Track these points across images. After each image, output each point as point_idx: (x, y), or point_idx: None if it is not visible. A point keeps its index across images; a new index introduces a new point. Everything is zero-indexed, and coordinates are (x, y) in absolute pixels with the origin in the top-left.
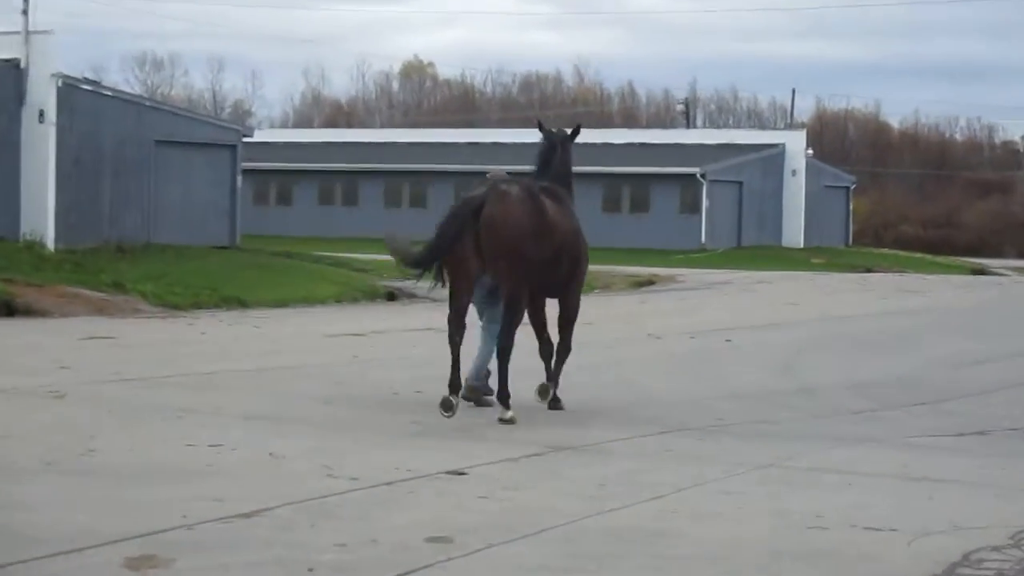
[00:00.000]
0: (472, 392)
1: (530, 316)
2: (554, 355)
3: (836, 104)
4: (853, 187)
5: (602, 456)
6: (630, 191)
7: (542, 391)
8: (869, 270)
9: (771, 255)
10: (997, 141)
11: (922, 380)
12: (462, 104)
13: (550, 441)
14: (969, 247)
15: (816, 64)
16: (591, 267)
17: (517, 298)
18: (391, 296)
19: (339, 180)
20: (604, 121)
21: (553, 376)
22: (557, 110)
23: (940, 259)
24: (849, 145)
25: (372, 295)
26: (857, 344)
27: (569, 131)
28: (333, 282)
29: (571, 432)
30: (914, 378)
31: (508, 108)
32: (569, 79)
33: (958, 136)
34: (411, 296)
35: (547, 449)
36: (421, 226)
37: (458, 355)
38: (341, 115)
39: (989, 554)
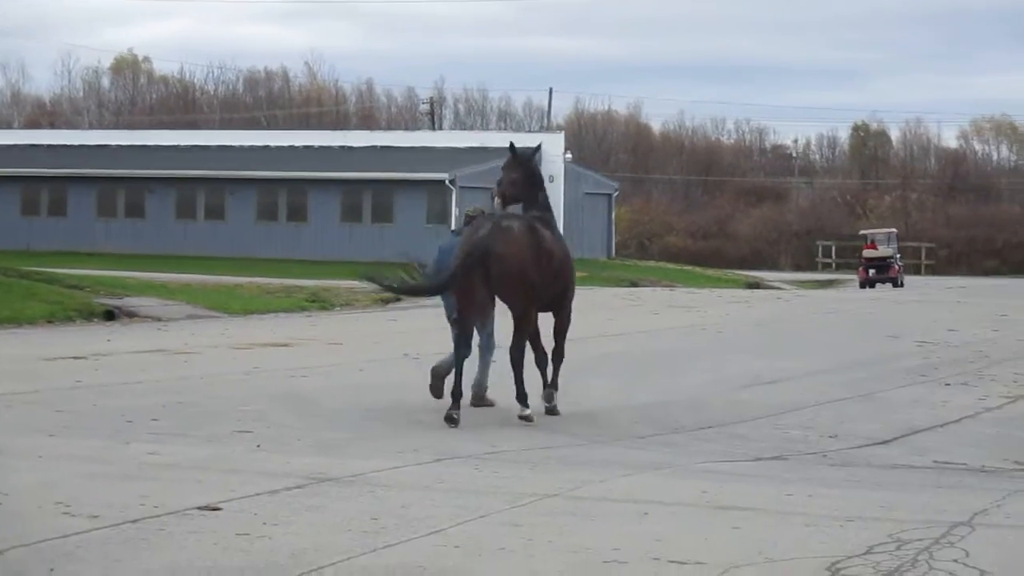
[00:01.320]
0: (478, 399)
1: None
2: (550, 363)
3: (596, 105)
4: (615, 194)
5: (370, 488)
6: (372, 199)
7: (547, 396)
8: (635, 284)
9: None
10: (768, 145)
11: (707, 402)
12: (181, 103)
13: (311, 472)
14: (742, 259)
15: (574, 62)
16: (332, 282)
17: (525, 318)
18: (109, 315)
19: (45, 187)
20: (340, 122)
21: (552, 382)
22: (286, 110)
23: (711, 272)
24: (610, 149)
25: (88, 314)
26: (633, 364)
27: (531, 150)
28: (44, 300)
29: (333, 462)
30: (699, 400)
31: (232, 108)
32: (300, 76)
33: (726, 140)
34: (131, 315)
35: (308, 481)
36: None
37: (461, 369)
38: (44, 115)
39: None
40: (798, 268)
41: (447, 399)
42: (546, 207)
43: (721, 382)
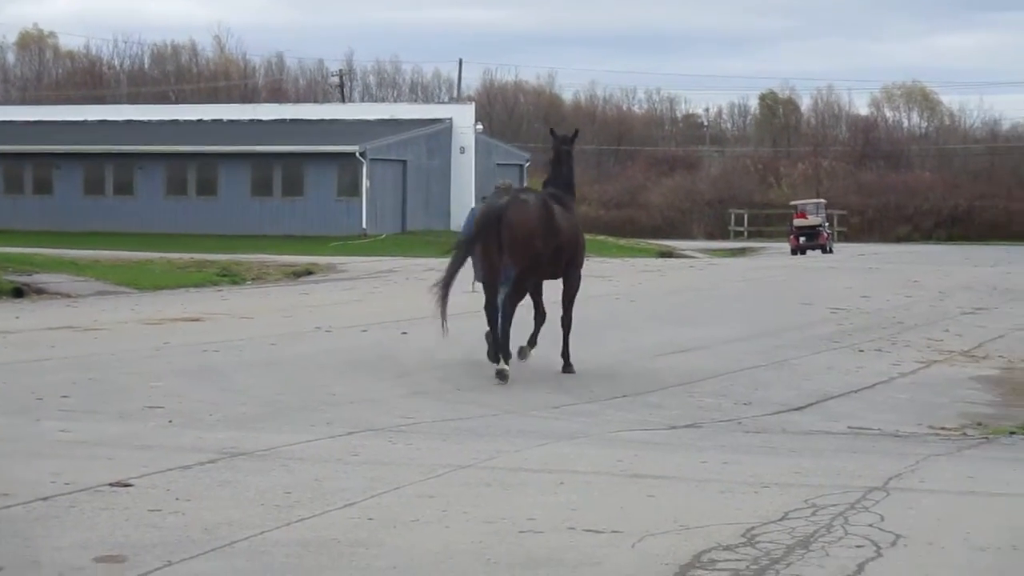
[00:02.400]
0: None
1: (531, 293)
2: (542, 325)
3: (506, 76)
4: (527, 165)
5: (283, 462)
6: (282, 172)
7: (523, 352)
8: None
9: (440, 241)
10: (679, 114)
11: (621, 371)
12: (87, 78)
13: (223, 446)
14: (655, 228)
15: (484, 33)
16: (243, 256)
17: (523, 279)
18: (18, 292)
19: None
20: (249, 96)
21: (564, 351)
22: (194, 84)
23: (624, 241)
24: (521, 120)
25: None
26: (545, 334)
27: (571, 135)
28: None
29: (246, 436)
30: (612, 369)
31: (139, 82)
32: (208, 50)
33: (637, 110)
34: (40, 292)
35: (221, 455)
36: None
37: (496, 329)
38: None
39: (721, 554)
40: (711, 236)
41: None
42: (568, 185)
43: (635, 351)
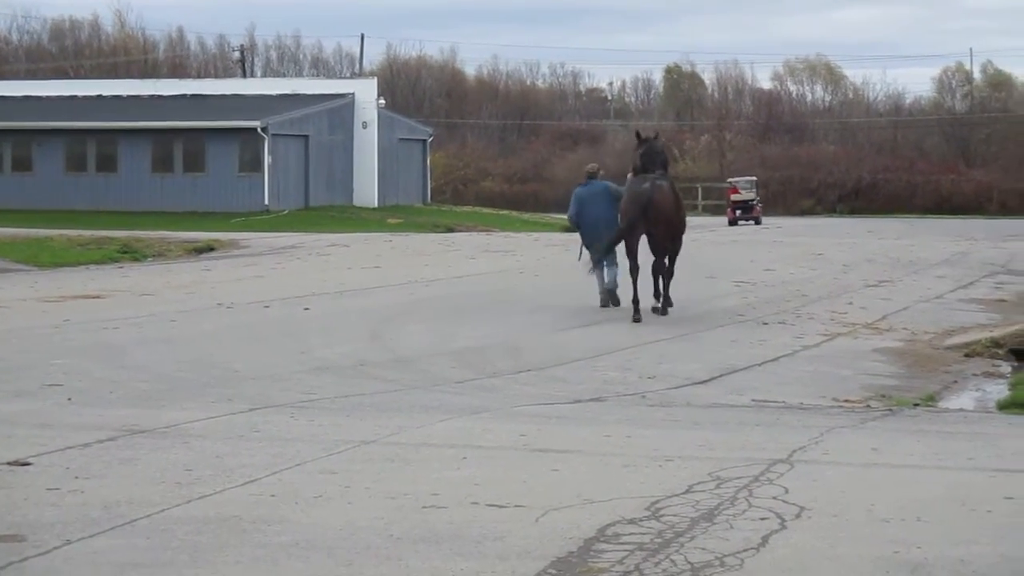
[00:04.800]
0: (610, 295)
1: (659, 255)
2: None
3: (408, 51)
4: (430, 140)
5: (183, 439)
6: (183, 148)
7: (663, 307)
8: (451, 229)
9: (343, 216)
10: (583, 88)
11: (525, 345)
12: None
13: (123, 424)
14: (559, 202)
15: (385, 7)
16: (144, 233)
17: (678, 246)
18: None
19: None
20: (150, 71)
21: (664, 294)
22: (95, 60)
23: (528, 216)
24: (424, 95)
25: None
26: (448, 309)
27: (654, 135)
28: None
29: (146, 414)
30: (516, 343)
31: (37, 58)
32: (108, 25)
33: (541, 84)
34: None
35: (121, 433)
36: None
37: (637, 281)
38: None
39: (626, 527)
40: None
41: (617, 308)
42: (665, 169)
43: (539, 325)
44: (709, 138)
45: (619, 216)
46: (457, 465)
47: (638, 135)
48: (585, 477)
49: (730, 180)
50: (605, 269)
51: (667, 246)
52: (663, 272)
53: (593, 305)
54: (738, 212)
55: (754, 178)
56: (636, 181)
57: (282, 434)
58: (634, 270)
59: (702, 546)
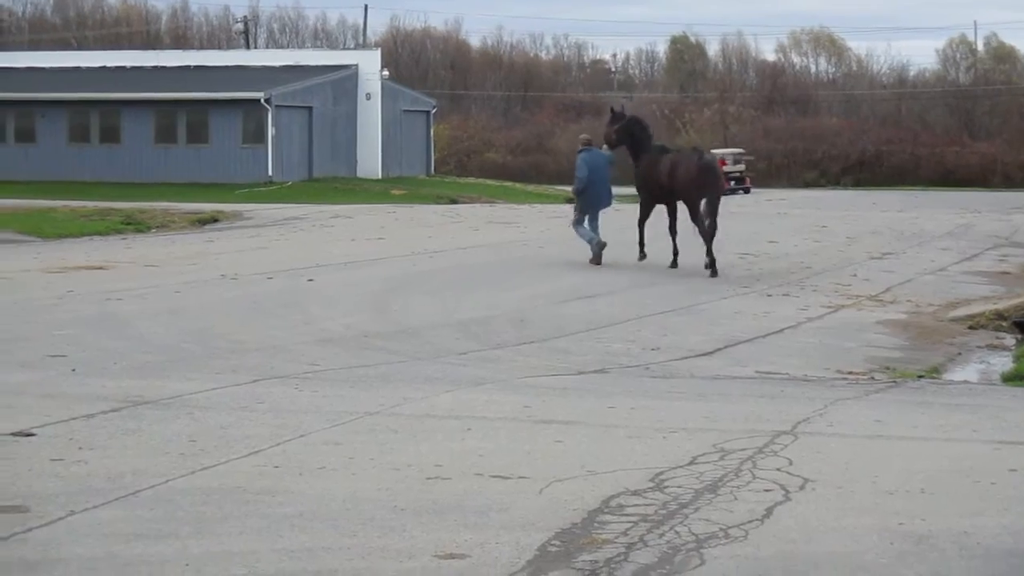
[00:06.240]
0: (601, 249)
1: (697, 219)
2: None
3: (413, 22)
4: (434, 111)
5: (188, 410)
6: (186, 119)
7: (711, 263)
8: (455, 201)
9: (347, 187)
10: (587, 60)
11: (527, 317)
12: None
13: (128, 395)
14: (562, 174)
15: None
16: (148, 204)
17: (696, 205)
18: None
19: None
20: (152, 42)
21: (709, 252)
22: (98, 31)
23: (532, 188)
24: (428, 66)
25: None
26: (453, 280)
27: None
28: None
29: (150, 385)
30: (518, 315)
31: (41, 29)
32: None
33: (545, 56)
34: None
35: (125, 404)
36: None
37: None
38: None
39: (629, 499)
40: (618, 182)
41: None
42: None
43: (543, 296)
44: (712, 111)
45: (674, 185)
46: (461, 436)
47: (612, 111)
48: (589, 448)
49: (714, 151)
50: (596, 229)
51: (718, 208)
52: (710, 232)
53: (598, 277)
54: (732, 183)
55: (741, 151)
56: (678, 155)
57: (286, 405)
58: (673, 225)
59: (706, 517)
